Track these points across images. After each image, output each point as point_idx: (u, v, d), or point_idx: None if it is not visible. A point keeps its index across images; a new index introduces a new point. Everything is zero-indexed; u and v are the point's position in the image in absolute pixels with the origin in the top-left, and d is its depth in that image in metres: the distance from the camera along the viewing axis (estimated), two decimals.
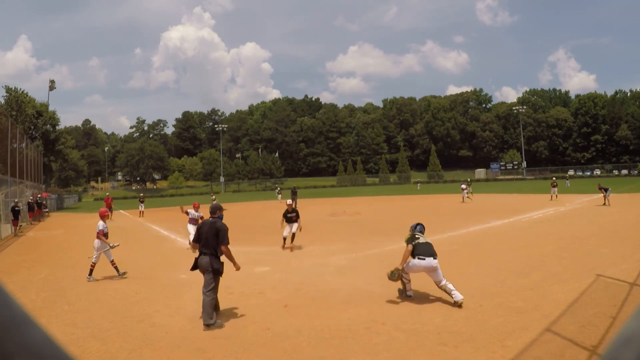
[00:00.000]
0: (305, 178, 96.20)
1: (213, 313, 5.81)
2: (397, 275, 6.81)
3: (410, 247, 6.81)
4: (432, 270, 6.69)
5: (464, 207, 24.68)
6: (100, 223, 9.24)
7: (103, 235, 9.13)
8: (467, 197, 30.03)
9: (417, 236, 7.03)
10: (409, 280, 6.98)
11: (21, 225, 23.18)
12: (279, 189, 48.06)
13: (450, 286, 6.53)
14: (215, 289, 5.94)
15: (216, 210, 6.39)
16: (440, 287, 6.62)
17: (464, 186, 31.00)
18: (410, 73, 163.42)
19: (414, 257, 6.75)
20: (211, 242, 6.01)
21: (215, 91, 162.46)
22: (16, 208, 21.01)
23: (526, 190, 40.27)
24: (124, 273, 9.28)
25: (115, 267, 9.17)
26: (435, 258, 6.68)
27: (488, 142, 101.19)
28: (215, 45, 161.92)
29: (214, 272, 5.94)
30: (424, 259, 6.67)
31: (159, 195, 77.27)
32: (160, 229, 20.01)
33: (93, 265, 9.02)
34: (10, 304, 0.38)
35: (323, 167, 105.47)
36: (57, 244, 15.86)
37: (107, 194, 29.29)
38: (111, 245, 9.24)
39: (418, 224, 7.44)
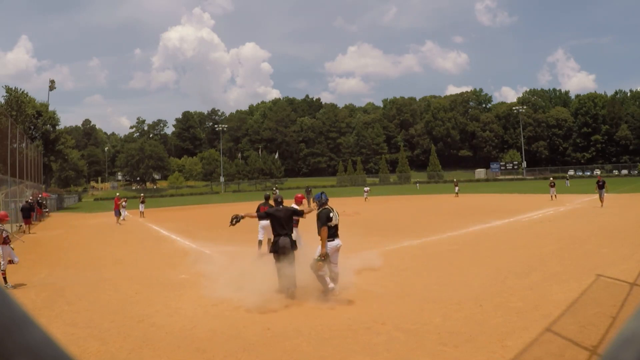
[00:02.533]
0: (305, 178, 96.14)
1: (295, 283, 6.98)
2: (325, 259, 6.68)
3: (326, 229, 6.73)
4: (336, 251, 6.85)
5: (460, 207, 24.69)
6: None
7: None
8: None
9: (331, 216, 6.85)
10: (325, 273, 6.76)
11: (21, 225, 23.19)
12: (274, 188, 48.11)
13: (336, 271, 6.81)
14: (294, 263, 7.02)
15: (280, 199, 7.87)
16: (331, 270, 6.81)
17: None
18: (410, 73, 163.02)
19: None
20: (288, 224, 7.25)
21: (215, 91, 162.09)
22: (26, 206, 21.91)
23: (526, 190, 40.27)
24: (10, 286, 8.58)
25: (4, 277, 8.63)
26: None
27: (488, 142, 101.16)
28: (215, 46, 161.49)
29: (293, 248, 7.09)
30: (333, 240, 6.81)
31: (159, 195, 77.30)
32: (160, 229, 20.01)
33: (3, 273, 8.60)
34: (10, 304, 0.38)
35: (323, 167, 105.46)
36: (57, 244, 15.85)
37: (117, 194, 28.75)
38: None
39: (322, 193, 7.21)
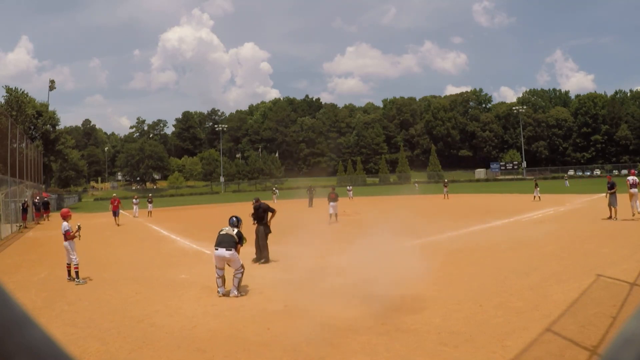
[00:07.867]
0: (305, 178, 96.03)
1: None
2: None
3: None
4: (225, 260, 7.36)
5: (460, 207, 24.69)
6: (65, 224, 9.01)
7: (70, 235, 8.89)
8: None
9: (221, 229, 7.69)
10: (220, 277, 7.40)
11: (20, 225, 23.21)
12: (274, 188, 48.05)
13: (236, 281, 7.29)
14: (265, 242, 10.31)
15: (258, 201, 11.17)
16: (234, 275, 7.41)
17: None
18: (410, 73, 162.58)
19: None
20: (264, 216, 10.62)
21: (215, 91, 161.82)
22: (26, 206, 23.49)
23: (526, 191, 40.17)
24: (85, 280, 8.88)
25: (77, 272, 8.78)
26: (228, 249, 7.30)
27: (488, 142, 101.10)
28: (214, 46, 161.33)
29: (266, 231, 10.42)
30: (217, 249, 7.38)
31: (159, 195, 77.24)
32: (160, 229, 20.01)
33: (77, 267, 8.78)
34: (10, 304, 0.38)
35: (323, 167, 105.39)
36: (57, 244, 15.79)
37: (114, 195, 28.08)
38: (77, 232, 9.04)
39: (233, 217, 8.24)
